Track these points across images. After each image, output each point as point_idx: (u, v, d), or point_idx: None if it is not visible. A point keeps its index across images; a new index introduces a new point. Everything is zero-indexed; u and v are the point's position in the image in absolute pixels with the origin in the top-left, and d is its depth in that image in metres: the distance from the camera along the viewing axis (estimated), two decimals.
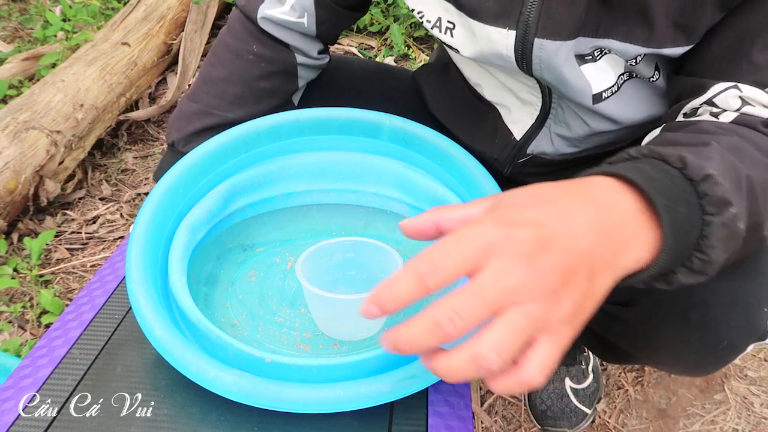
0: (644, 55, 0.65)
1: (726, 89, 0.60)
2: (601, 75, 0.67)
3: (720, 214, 0.46)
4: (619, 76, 0.68)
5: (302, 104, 0.91)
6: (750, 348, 0.68)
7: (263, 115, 0.83)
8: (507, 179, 0.85)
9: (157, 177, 0.85)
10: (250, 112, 0.82)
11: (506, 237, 0.38)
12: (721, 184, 0.47)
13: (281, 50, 0.83)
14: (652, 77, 0.68)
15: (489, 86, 0.81)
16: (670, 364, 0.77)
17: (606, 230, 0.42)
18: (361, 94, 0.94)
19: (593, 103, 0.68)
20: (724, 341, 0.65)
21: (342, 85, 0.94)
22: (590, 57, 0.65)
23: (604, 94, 0.68)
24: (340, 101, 0.91)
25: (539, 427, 1.03)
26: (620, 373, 1.13)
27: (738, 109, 0.59)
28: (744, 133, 0.57)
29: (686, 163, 0.47)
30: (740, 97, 0.59)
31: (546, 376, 0.38)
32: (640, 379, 1.11)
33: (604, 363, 1.14)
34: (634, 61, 0.66)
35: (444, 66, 0.91)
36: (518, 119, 0.79)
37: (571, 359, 1.05)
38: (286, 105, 0.87)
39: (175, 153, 0.84)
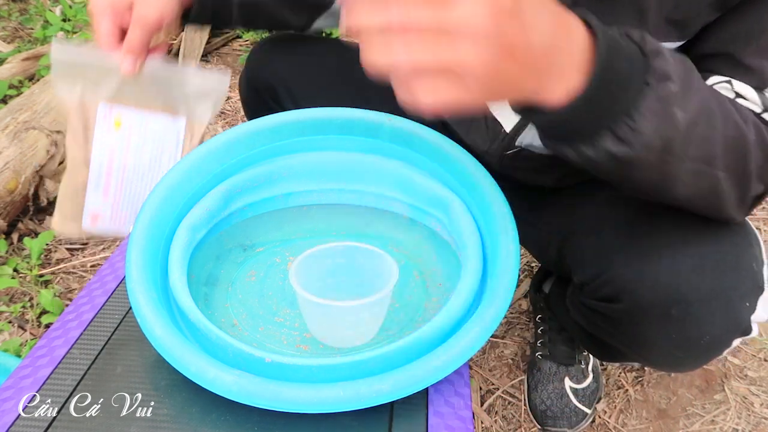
0: None
1: (719, 82, 0.61)
2: None
3: (658, 88, 0.47)
4: None
5: (306, 87, 0.92)
6: (736, 343, 0.69)
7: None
8: (498, 174, 0.86)
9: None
10: None
11: None
12: (671, 62, 0.47)
13: None
14: None
15: None
16: (656, 360, 0.78)
17: (555, 38, 0.42)
18: (363, 79, 0.95)
19: None
20: (706, 336, 0.66)
21: (346, 69, 0.94)
22: None
23: None
24: (344, 84, 0.92)
25: (539, 427, 1.03)
26: (620, 373, 1.13)
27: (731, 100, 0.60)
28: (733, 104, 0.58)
29: (645, 39, 0.48)
30: (734, 92, 0.60)
31: (430, 99, 0.40)
32: (640, 379, 1.11)
33: (603, 363, 1.14)
34: None
35: None
36: (507, 110, 0.80)
37: (570, 359, 1.05)
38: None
39: None
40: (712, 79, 0.62)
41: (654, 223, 0.69)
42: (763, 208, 1.49)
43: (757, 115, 0.60)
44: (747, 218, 0.74)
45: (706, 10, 0.59)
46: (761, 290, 0.67)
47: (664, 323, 0.68)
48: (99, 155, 0.80)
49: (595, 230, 0.74)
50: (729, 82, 0.61)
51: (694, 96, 0.50)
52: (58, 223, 0.83)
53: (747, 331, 0.68)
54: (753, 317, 0.67)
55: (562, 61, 0.43)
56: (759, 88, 0.60)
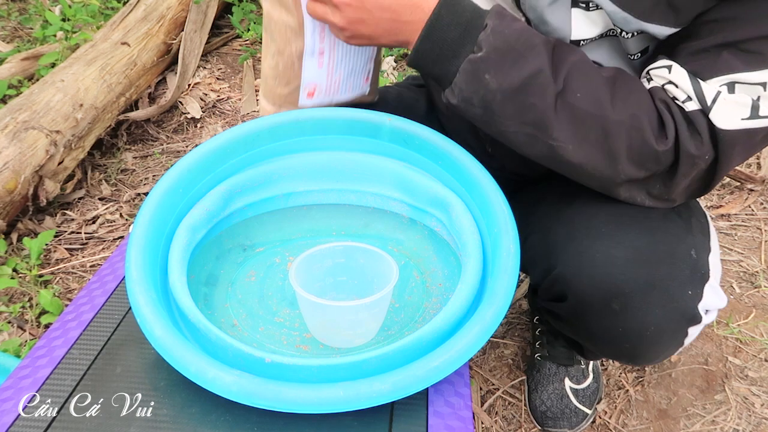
0: (639, 33, 0.66)
1: (661, 66, 0.64)
2: (587, 24, 0.67)
3: (475, 53, 0.62)
4: (603, 35, 0.69)
5: None
6: (693, 332, 0.70)
7: None
8: (489, 156, 0.86)
9: None
10: None
11: None
12: (489, 35, 0.61)
13: None
14: (634, 56, 0.70)
15: None
16: (614, 354, 0.80)
17: (390, 28, 0.66)
18: None
19: None
20: (651, 327, 0.67)
21: None
22: (584, 4, 0.66)
23: (582, 42, 0.69)
24: None
25: (540, 427, 1.03)
26: (621, 373, 1.13)
27: (662, 86, 0.64)
28: (631, 79, 0.65)
29: (493, 18, 0.62)
30: (668, 78, 0.63)
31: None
32: (640, 379, 1.11)
33: (604, 363, 1.14)
34: (626, 34, 0.66)
35: None
36: None
37: (568, 359, 1.04)
38: None
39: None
40: (659, 62, 0.64)
41: (592, 219, 0.71)
42: (764, 207, 1.49)
43: (679, 103, 0.62)
44: (701, 205, 0.77)
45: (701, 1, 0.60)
46: (705, 277, 0.68)
47: (607, 318, 0.69)
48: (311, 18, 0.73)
49: (544, 230, 0.75)
50: (669, 67, 0.63)
51: (517, 70, 0.61)
52: (264, 110, 0.80)
53: (695, 318, 0.68)
54: (702, 305, 0.68)
55: (403, 31, 0.65)
56: (699, 76, 0.61)
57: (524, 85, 0.61)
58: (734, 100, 0.60)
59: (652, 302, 0.66)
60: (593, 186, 0.68)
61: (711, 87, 0.60)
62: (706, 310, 0.70)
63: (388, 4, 0.64)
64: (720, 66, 0.60)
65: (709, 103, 0.60)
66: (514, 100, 0.62)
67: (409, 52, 0.66)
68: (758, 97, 0.60)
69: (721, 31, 0.60)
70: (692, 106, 0.62)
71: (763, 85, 0.59)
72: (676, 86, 0.63)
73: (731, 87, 0.60)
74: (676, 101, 0.63)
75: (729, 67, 0.59)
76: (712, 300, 0.69)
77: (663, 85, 0.64)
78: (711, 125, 0.61)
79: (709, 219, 0.76)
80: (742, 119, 0.60)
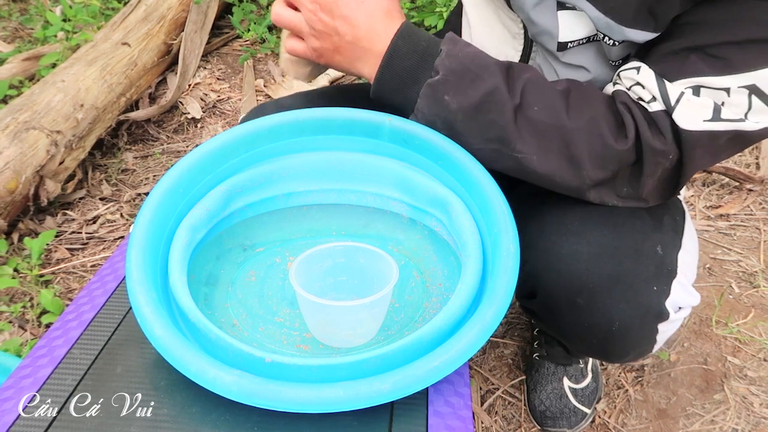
0: (622, 42, 0.66)
1: (631, 68, 0.65)
2: (575, 25, 0.68)
3: (432, 80, 0.64)
4: (591, 39, 0.70)
5: None
6: (665, 330, 0.71)
7: None
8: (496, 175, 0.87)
9: None
10: None
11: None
12: (445, 59, 0.64)
13: None
14: (615, 62, 0.71)
15: (480, 23, 0.84)
16: (586, 350, 0.82)
17: (352, 58, 0.69)
18: None
19: (557, 50, 0.71)
20: (616, 322, 0.68)
21: None
22: (571, 6, 0.67)
23: (569, 44, 0.70)
24: None
25: (539, 427, 1.04)
26: (620, 372, 1.13)
27: (629, 87, 0.65)
28: (584, 88, 0.66)
29: (447, 45, 0.65)
30: (635, 79, 0.64)
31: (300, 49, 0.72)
32: (639, 378, 1.11)
33: (603, 363, 1.14)
34: (608, 40, 0.67)
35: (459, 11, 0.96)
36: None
37: (567, 359, 1.05)
38: None
39: None
40: (629, 64, 0.65)
41: (562, 217, 0.71)
42: (763, 207, 1.49)
43: (642, 103, 0.63)
44: (681, 204, 0.77)
45: (680, 3, 0.60)
46: (672, 274, 0.69)
47: (573, 313, 0.70)
48: None
49: (520, 227, 0.76)
50: (638, 69, 0.64)
51: (474, 89, 0.63)
52: (286, 66, 0.81)
53: (662, 315, 0.69)
54: (669, 302, 0.68)
55: (362, 61, 0.68)
56: (666, 77, 0.62)
57: (482, 102, 0.63)
58: (697, 102, 0.60)
59: (617, 297, 0.67)
60: (565, 192, 0.69)
61: (676, 88, 0.61)
62: (679, 307, 0.70)
63: (357, 21, 0.67)
64: (687, 69, 0.60)
65: (672, 103, 0.61)
66: (475, 118, 0.64)
67: (371, 85, 0.68)
68: (722, 102, 0.60)
69: (690, 34, 0.60)
70: (656, 106, 0.62)
71: (727, 90, 0.60)
72: (643, 87, 0.64)
73: (696, 90, 0.60)
74: (642, 101, 0.64)
75: (695, 71, 0.60)
76: (682, 297, 0.69)
77: (630, 87, 0.65)
78: (674, 125, 0.61)
79: (687, 217, 0.76)
80: (704, 120, 0.61)
